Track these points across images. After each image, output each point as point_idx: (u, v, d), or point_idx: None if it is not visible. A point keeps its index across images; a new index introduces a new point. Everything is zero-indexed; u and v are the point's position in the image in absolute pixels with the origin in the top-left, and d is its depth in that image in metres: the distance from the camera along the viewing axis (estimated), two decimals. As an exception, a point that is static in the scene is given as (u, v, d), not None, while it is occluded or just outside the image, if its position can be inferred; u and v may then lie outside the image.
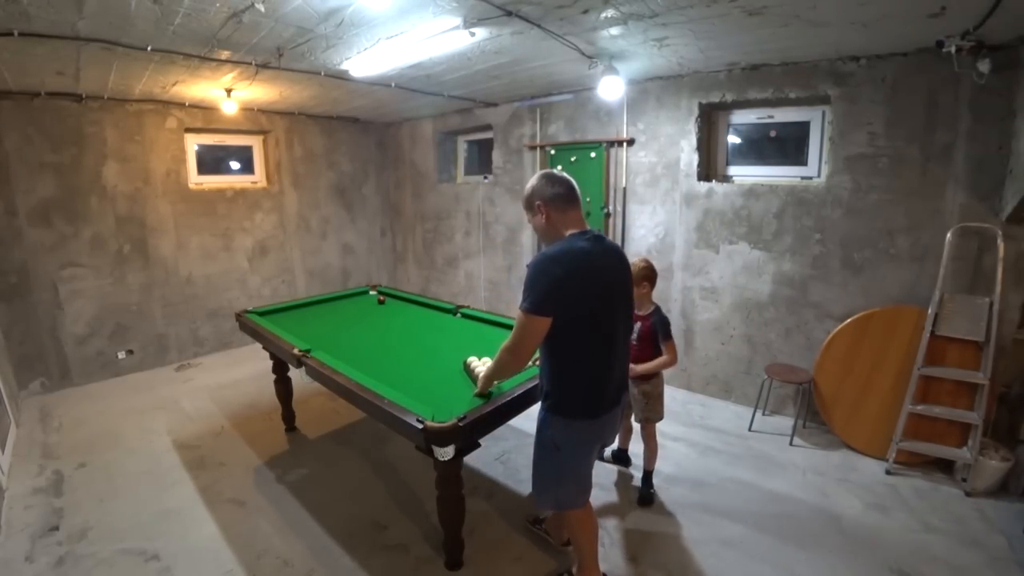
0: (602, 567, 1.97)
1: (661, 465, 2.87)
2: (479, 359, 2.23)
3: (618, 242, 4.08)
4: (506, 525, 2.38)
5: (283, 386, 3.20)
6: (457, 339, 2.60)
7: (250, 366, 4.42)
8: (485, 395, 1.97)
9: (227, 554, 2.20)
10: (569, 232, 1.63)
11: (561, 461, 1.69)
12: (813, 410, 3.23)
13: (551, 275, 1.51)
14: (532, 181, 1.69)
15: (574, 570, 1.98)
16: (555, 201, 1.63)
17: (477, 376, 2.06)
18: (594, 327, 1.58)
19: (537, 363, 1.88)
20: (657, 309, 2.42)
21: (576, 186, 1.68)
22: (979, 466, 2.57)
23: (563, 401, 1.63)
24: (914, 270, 2.90)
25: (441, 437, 1.68)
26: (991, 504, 2.50)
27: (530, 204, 1.68)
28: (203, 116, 4.54)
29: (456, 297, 5.57)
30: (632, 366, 2.20)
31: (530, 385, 2.03)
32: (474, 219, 5.29)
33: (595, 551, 1.90)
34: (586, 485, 1.79)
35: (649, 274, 2.39)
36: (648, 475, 2.59)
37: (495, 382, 1.96)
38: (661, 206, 3.85)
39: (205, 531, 2.35)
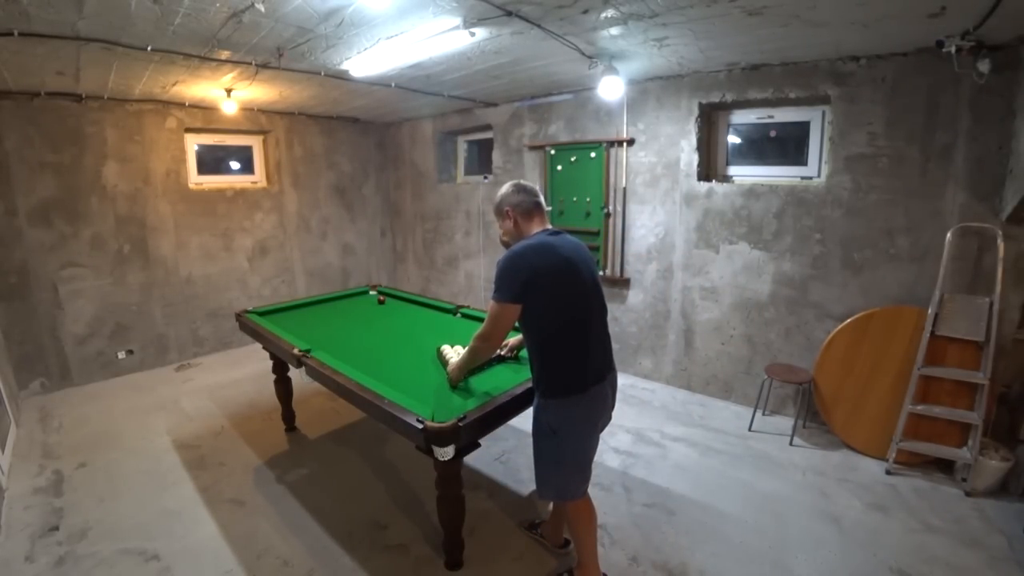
0: (602, 567, 1.97)
1: (662, 465, 2.88)
2: (451, 347, 2.37)
3: (618, 242, 4.09)
4: (506, 525, 2.38)
5: (283, 386, 3.20)
6: (457, 339, 2.60)
7: (250, 366, 4.42)
8: (456, 385, 2.10)
9: (227, 554, 2.20)
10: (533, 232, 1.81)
11: (559, 445, 1.76)
12: (813, 410, 3.23)
13: (518, 267, 1.68)
14: (503, 189, 1.87)
15: (574, 569, 1.98)
16: (521, 207, 1.82)
17: (448, 362, 2.20)
18: (566, 309, 1.71)
19: (504, 352, 2.35)
20: None
21: (541, 196, 1.87)
22: (979, 466, 2.57)
23: (552, 383, 1.74)
24: (914, 270, 2.90)
25: (441, 437, 1.68)
26: (991, 504, 2.50)
27: (500, 210, 1.86)
28: (203, 116, 4.54)
29: (456, 297, 5.57)
30: None
31: (529, 385, 2.03)
32: (474, 219, 5.29)
33: (595, 546, 1.93)
34: (586, 473, 1.83)
35: None
36: None
37: (466, 371, 2.09)
38: (661, 206, 3.85)
39: (205, 531, 2.35)
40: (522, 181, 1.89)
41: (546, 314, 1.69)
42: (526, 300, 1.67)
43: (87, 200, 4.04)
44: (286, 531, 2.34)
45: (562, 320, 1.70)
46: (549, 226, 1.85)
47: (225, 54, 2.86)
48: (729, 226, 3.53)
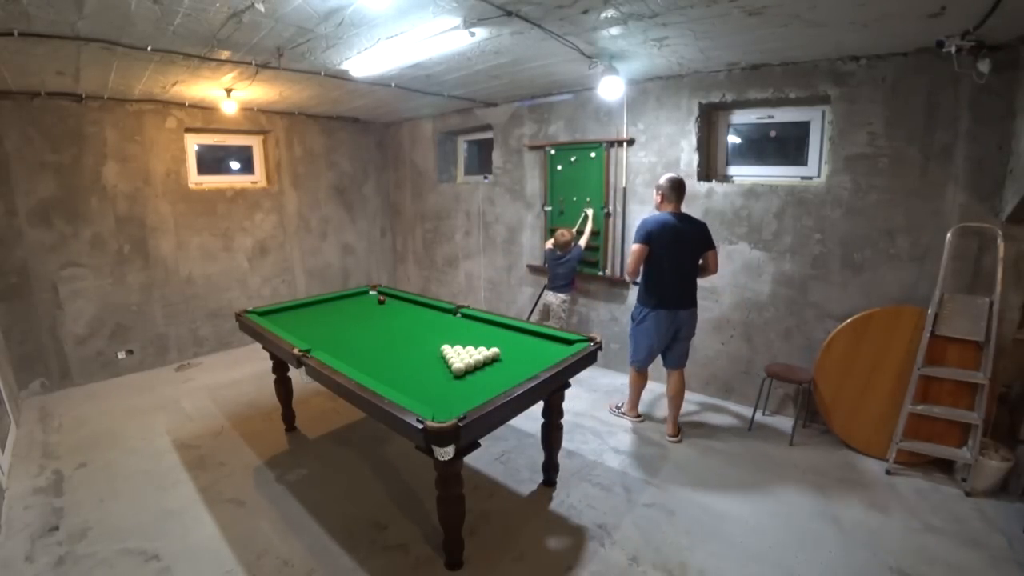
0: (602, 567, 2.01)
1: (661, 465, 2.88)
2: (451, 347, 2.45)
3: (618, 242, 4.11)
4: (506, 525, 2.38)
5: (283, 386, 3.20)
6: (457, 339, 2.60)
7: (250, 366, 4.42)
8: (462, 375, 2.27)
9: (227, 554, 2.20)
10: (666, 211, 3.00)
11: (636, 331, 3.14)
12: (813, 410, 3.23)
13: (643, 226, 2.96)
14: (665, 175, 3.03)
15: (625, 406, 3.43)
16: (665, 194, 2.99)
17: (450, 363, 2.33)
18: (656, 257, 2.93)
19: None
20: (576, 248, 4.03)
21: (683, 194, 3.02)
22: (979, 466, 2.57)
23: (642, 294, 3.07)
24: (914, 270, 2.90)
25: (441, 437, 1.68)
26: (991, 504, 2.50)
27: (657, 187, 3.04)
28: (203, 116, 4.54)
29: (456, 297, 5.57)
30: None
31: (530, 385, 2.05)
32: (474, 219, 5.29)
33: (637, 399, 3.38)
34: (645, 355, 3.14)
35: (570, 239, 4.00)
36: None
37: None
38: (661, 206, 3.85)
39: (205, 531, 2.35)
40: (677, 178, 2.99)
41: (649, 256, 2.93)
42: (648, 244, 2.91)
43: (87, 200, 4.04)
44: (286, 531, 2.34)
45: (652, 262, 2.95)
46: (680, 211, 2.99)
47: (225, 54, 2.86)
48: (729, 226, 3.53)
